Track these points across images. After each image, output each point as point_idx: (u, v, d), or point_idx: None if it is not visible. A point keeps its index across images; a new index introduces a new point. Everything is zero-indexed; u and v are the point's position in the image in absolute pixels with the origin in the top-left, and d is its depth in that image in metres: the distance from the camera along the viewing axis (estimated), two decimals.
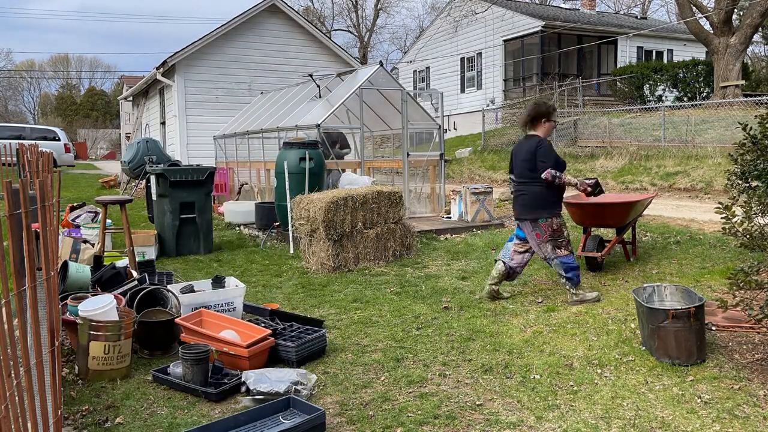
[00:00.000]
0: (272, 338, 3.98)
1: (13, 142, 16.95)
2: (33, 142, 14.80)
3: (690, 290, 4.05)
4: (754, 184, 3.86)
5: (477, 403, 3.33)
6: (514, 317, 4.78)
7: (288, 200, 7.68)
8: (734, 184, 4.00)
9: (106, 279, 4.89)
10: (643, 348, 3.94)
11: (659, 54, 25.91)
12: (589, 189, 5.19)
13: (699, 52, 24.23)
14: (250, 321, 4.42)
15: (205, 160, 13.41)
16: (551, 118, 5.11)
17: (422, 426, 3.10)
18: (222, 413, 3.29)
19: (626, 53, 25.16)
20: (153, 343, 4.22)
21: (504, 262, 5.27)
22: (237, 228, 9.69)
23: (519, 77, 24.87)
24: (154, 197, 8.15)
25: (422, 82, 29.75)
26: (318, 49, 16.01)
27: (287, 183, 7.82)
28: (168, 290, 4.58)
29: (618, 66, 24.31)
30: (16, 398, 2.14)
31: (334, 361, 3.99)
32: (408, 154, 9.65)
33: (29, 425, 2.30)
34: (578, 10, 29.29)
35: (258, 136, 11.07)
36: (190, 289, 4.76)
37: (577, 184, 5.14)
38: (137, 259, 6.35)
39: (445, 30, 27.44)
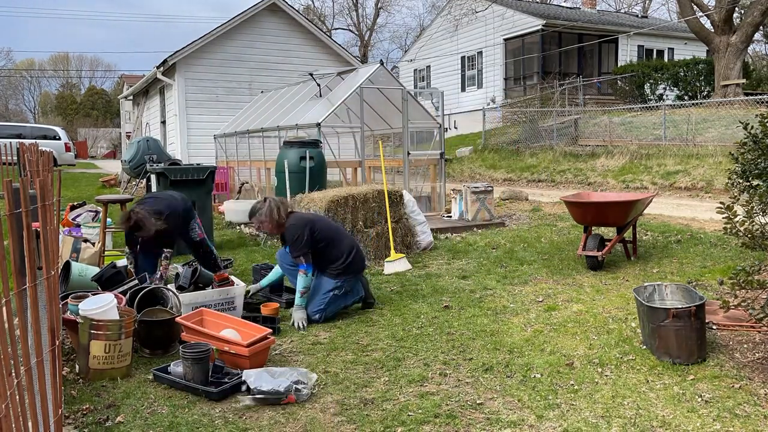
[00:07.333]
0: (273, 337, 3.99)
1: (14, 141, 16.96)
2: (33, 141, 14.80)
3: (690, 289, 4.04)
4: (755, 183, 3.86)
5: (477, 402, 3.33)
6: (515, 316, 4.78)
7: (288, 199, 7.68)
8: (735, 183, 4.00)
9: (106, 278, 4.89)
10: (644, 347, 3.94)
11: (660, 53, 25.91)
12: None
13: (700, 51, 24.22)
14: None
15: (206, 159, 13.42)
16: None
17: (423, 425, 3.09)
18: (223, 412, 3.29)
19: (627, 52, 25.15)
20: (153, 342, 4.22)
21: None
22: (237, 227, 9.68)
23: (520, 76, 24.86)
24: None
25: (423, 80, 29.75)
26: (318, 47, 16.01)
27: (288, 182, 7.82)
28: (168, 289, 4.58)
29: (619, 65, 24.31)
30: (17, 397, 2.14)
31: (335, 360, 3.99)
32: (408, 153, 9.65)
33: (30, 424, 2.30)
34: (579, 8, 29.31)
35: (258, 135, 11.07)
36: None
37: None
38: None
39: (445, 29, 27.45)
